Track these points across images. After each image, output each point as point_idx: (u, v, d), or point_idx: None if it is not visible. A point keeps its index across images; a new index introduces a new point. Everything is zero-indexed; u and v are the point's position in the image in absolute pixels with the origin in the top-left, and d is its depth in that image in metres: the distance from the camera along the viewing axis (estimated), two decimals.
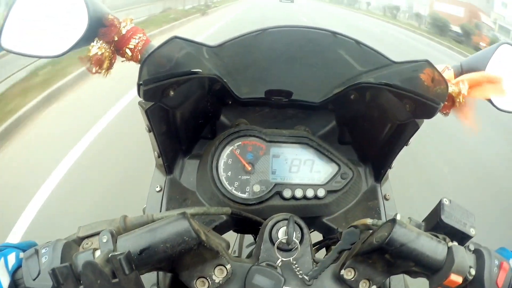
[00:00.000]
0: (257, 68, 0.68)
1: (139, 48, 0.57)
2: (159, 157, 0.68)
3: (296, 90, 0.72)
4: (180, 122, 0.67)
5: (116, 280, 0.37)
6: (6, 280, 0.41)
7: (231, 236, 0.65)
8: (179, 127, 0.68)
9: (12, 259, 0.43)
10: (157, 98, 0.57)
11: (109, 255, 0.38)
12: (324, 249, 0.70)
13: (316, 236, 0.69)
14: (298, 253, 0.51)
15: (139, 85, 0.51)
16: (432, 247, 0.46)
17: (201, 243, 0.44)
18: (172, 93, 0.58)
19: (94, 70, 0.56)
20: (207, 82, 0.66)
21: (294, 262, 0.50)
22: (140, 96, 0.54)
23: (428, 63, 0.53)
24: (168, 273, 0.59)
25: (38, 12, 0.53)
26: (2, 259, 0.42)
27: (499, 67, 0.64)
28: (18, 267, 0.43)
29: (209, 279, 0.48)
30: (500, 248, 0.51)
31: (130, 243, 0.42)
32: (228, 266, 0.48)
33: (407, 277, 0.61)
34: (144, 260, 0.42)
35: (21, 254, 0.44)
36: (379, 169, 0.73)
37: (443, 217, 0.51)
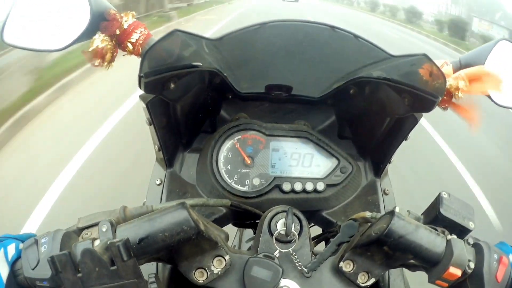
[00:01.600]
0: (257, 63, 0.68)
1: (141, 42, 0.57)
2: (159, 150, 0.68)
3: (296, 85, 0.72)
4: (181, 116, 0.67)
5: (115, 267, 0.38)
6: (5, 271, 0.41)
7: (230, 231, 0.66)
8: (180, 121, 0.68)
9: (12, 250, 0.43)
10: (157, 91, 0.58)
11: (108, 243, 0.38)
12: (323, 243, 0.71)
13: (316, 232, 0.70)
14: (297, 245, 0.51)
15: (140, 77, 0.52)
16: (431, 239, 0.46)
17: (200, 232, 0.44)
18: (172, 85, 0.58)
19: (96, 63, 0.57)
20: (207, 75, 0.66)
21: (294, 253, 0.50)
22: (141, 88, 0.54)
23: (426, 57, 0.53)
24: (167, 264, 0.59)
25: (40, 6, 0.54)
26: (2, 249, 0.42)
27: (498, 63, 0.64)
28: (17, 257, 0.43)
29: (207, 270, 0.48)
30: (500, 243, 0.51)
31: (129, 232, 0.43)
32: (227, 257, 0.49)
33: (406, 270, 0.61)
34: (143, 249, 0.43)
35: (21, 245, 0.43)
36: (379, 164, 0.74)
37: (442, 210, 0.50)
